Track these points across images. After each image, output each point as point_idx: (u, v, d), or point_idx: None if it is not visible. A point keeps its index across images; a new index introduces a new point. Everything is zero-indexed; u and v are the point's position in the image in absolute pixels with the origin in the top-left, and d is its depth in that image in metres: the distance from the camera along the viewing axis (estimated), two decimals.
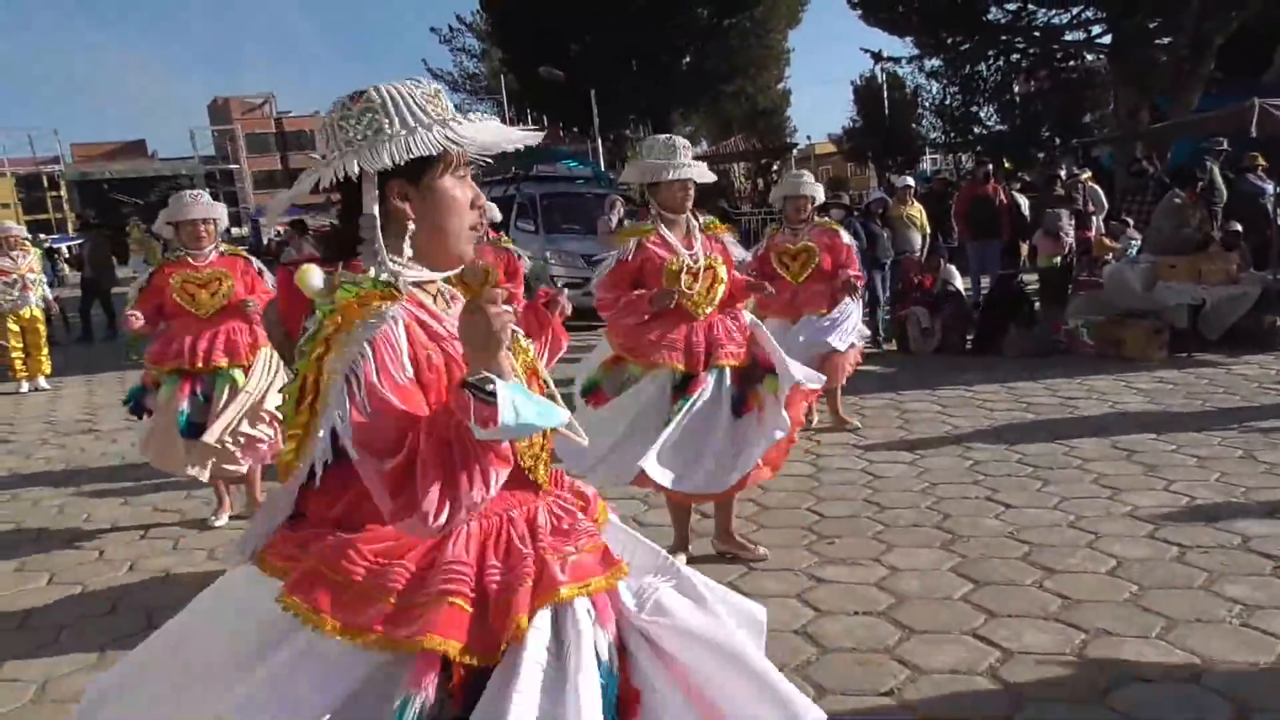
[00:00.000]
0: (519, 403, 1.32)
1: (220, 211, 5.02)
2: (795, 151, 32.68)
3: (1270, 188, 10.77)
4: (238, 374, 4.80)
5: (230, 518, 5.14)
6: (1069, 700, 2.85)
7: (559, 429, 1.50)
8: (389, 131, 1.50)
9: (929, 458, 5.60)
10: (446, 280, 1.65)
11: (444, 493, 1.35)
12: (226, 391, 4.75)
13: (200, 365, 4.75)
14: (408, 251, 1.56)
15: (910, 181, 11.87)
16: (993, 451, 5.64)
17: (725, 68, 26.19)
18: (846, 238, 6.17)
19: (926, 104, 29.70)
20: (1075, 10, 18.83)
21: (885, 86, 31.68)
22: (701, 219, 4.17)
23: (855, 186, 34.05)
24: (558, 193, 13.13)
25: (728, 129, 33.57)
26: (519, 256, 5.37)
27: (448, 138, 1.51)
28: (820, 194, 6.48)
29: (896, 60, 24.10)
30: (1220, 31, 15.60)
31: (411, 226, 1.55)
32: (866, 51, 23.11)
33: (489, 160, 1.67)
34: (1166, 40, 17.10)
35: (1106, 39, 18.31)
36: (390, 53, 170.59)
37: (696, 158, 4.25)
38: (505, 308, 1.39)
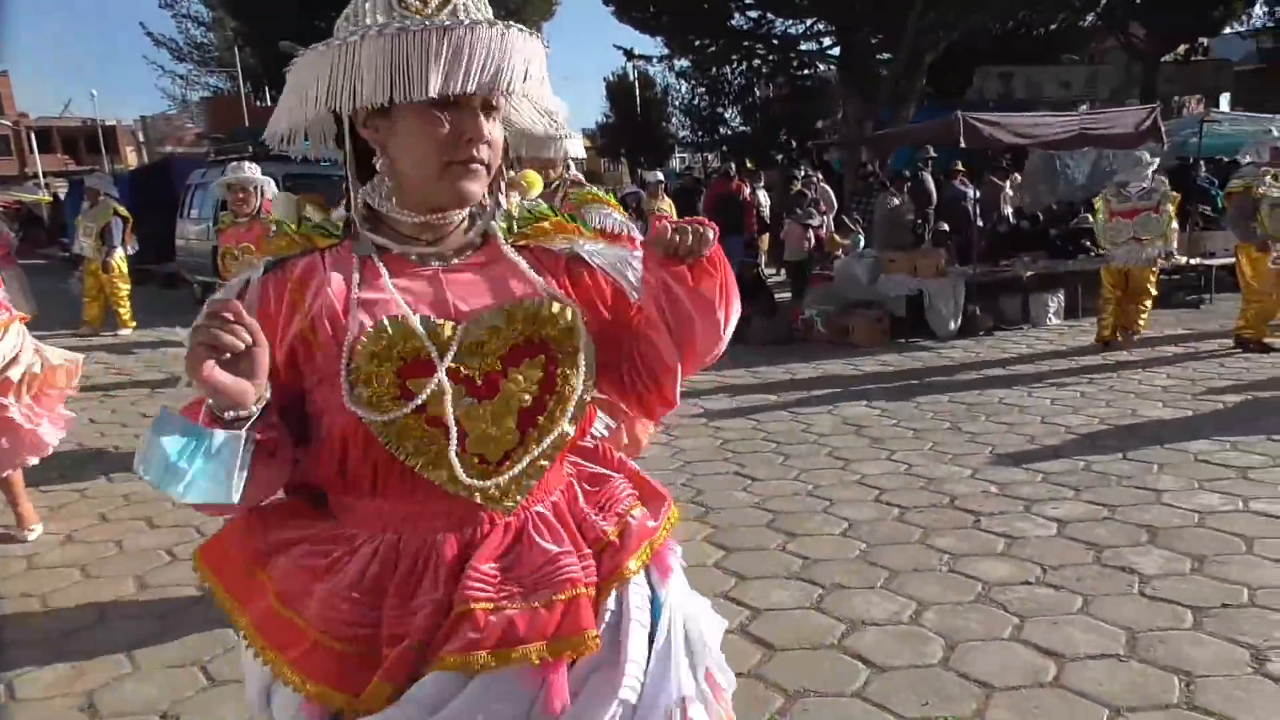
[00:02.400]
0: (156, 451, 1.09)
1: None
2: None
3: (972, 192, 12.14)
4: None
5: None
6: (810, 648, 3.12)
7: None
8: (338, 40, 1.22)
9: (684, 438, 5.89)
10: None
11: None
12: None
13: None
14: (388, 188, 1.31)
15: (660, 176, 12.36)
16: (740, 430, 6.02)
17: None
18: None
19: (676, 103, 30.93)
20: (809, 22, 20.28)
21: (637, 84, 32.63)
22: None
23: (608, 181, 34.78)
24: (301, 173, 12.42)
25: None
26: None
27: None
28: (261, 181, 6.19)
29: (647, 59, 24.93)
30: (930, 51, 17.37)
31: (381, 161, 1.30)
32: (619, 48, 23.73)
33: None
34: (887, 56, 18.82)
35: (836, 51, 19.87)
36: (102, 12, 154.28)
37: None
38: (212, 326, 1.09)
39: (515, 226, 1.42)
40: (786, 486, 4.83)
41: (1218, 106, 28.87)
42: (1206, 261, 10.72)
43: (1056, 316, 9.77)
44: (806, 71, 24.10)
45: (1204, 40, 28.92)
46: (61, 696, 2.96)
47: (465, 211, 1.36)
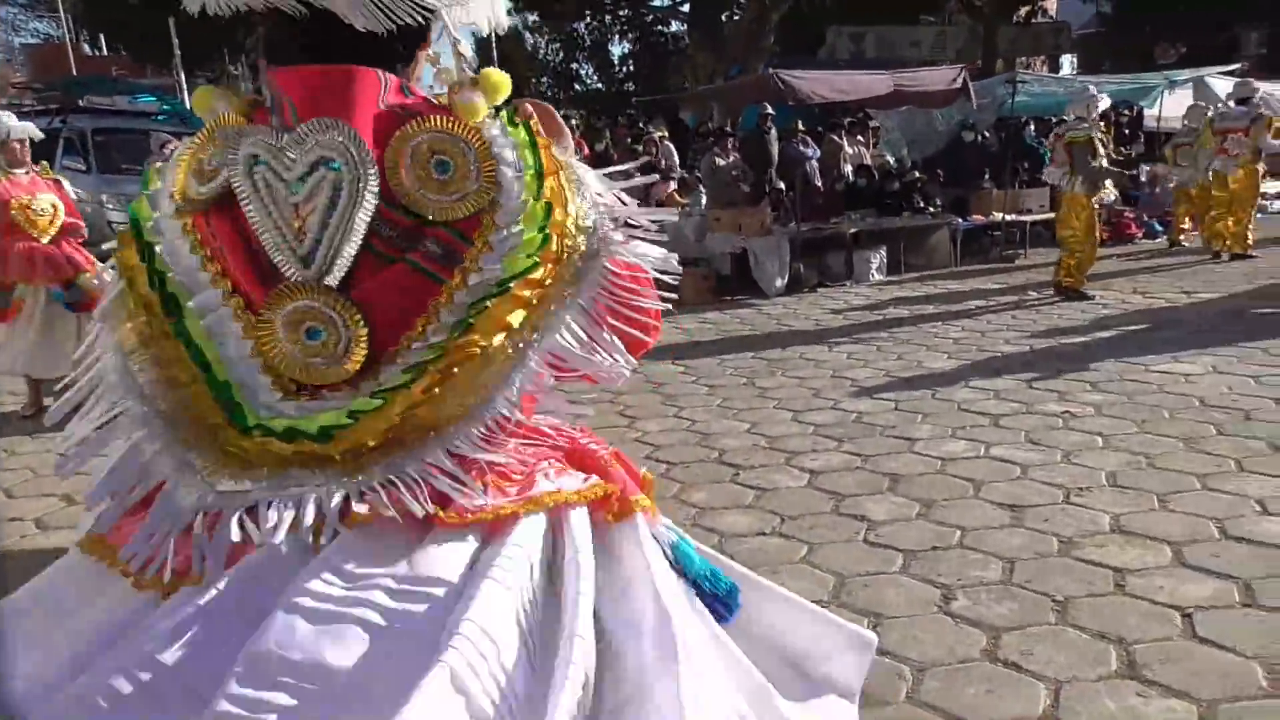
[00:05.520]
0: None
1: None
2: None
3: (811, 151, 12.33)
4: None
5: None
6: None
7: None
8: None
9: None
10: None
11: None
12: None
13: None
14: None
15: None
16: None
17: None
18: (68, 186, 5.82)
19: (534, 59, 30.43)
20: None
21: (493, 38, 31.83)
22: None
23: None
24: (116, 128, 11.63)
25: None
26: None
27: None
28: (33, 131, 5.65)
29: None
30: (778, 9, 17.52)
31: None
32: None
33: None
34: (737, 14, 18.92)
35: (686, 7, 19.87)
36: None
37: None
38: None
39: None
40: None
41: (1059, 69, 30.21)
42: (1023, 218, 11.25)
43: (879, 272, 10.08)
44: (660, 28, 24.05)
45: (1046, 4, 30.11)
46: None
47: None
